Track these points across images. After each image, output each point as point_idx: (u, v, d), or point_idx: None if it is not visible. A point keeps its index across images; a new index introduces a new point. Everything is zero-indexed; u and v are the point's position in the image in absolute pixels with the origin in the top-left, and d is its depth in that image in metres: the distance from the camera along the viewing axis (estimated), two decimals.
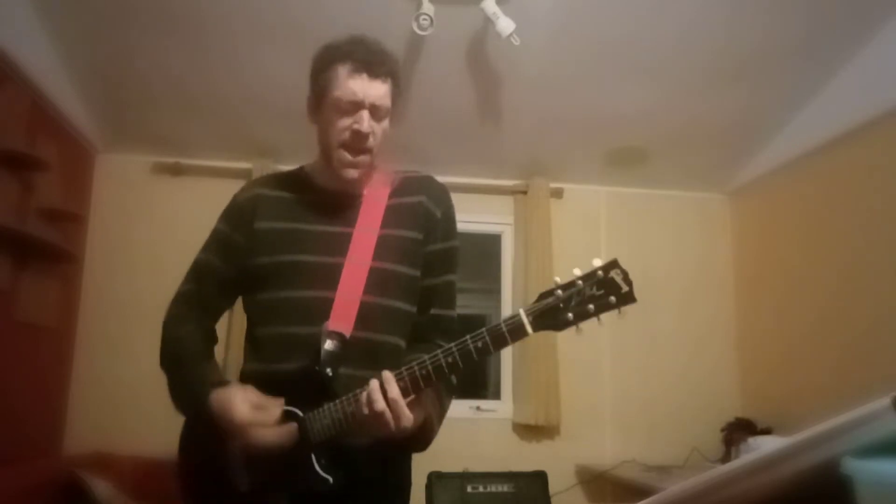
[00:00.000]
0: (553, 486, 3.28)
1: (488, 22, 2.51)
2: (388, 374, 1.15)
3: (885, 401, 0.57)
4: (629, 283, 1.08)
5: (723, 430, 3.43)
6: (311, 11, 2.58)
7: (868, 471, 0.57)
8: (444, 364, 1.14)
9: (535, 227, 3.61)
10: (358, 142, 1.31)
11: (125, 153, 3.48)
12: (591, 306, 1.09)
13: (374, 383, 1.15)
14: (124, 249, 3.38)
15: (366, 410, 1.14)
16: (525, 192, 3.71)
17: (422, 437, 1.26)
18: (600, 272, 1.09)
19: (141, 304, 3.23)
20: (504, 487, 3.19)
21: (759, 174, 3.61)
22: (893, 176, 2.73)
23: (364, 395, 1.15)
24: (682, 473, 3.03)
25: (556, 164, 3.66)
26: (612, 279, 1.08)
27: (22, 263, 2.71)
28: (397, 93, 1.37)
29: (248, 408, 1.21)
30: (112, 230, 3.40)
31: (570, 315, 1.10)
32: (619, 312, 1.09)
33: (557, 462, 3.42)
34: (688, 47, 2.83)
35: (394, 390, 1.14)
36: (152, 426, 3.10)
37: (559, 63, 2.91)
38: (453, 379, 1.20)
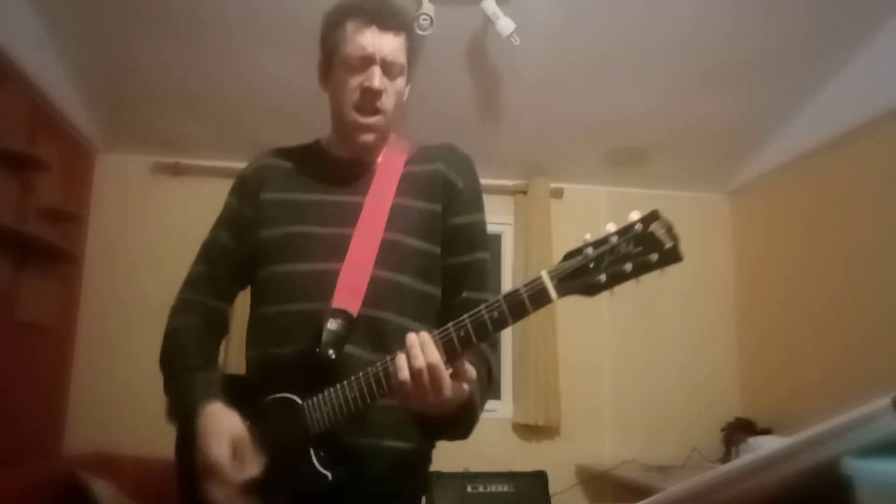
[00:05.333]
0: (553, 486, 3.27)
1: (488, 22, 2.52)
2: (426, 335, 0.98)
3: (885, 401, 0.57)
4: (675, 237, 0.90)
5: (723, 430, 3.43)
6: (311, 11, 2.56)
7: (868, 471, 0.57)
8: (455, 338, 0.97)
9: (535, 227, 3.61)
10: (370, 100, 1.19)
11: (125, 153, 3.48)
12: (628, 265, 0.91)
13: (413, 338, 0.98)
14: (124, 249, 3.38)
15: (403, 373, 0.97)
16: (525, 192, 3.71)
17: (462, 418, 1.08)
18: (639, 225, 0.92)
19: (141, 304, 3.23)
20: (504, 487, 3.19)
21: (759, 174, 3.61)
22: (893, 176, 2.73)
23: (400, 355, 0.98)
24: (682, 473, 3.03)
25: (556, 164, 3.66)
26: (653, 234, 0.91)
27: (22, 263, 2.71)
28: (412, 50, 1.25)
29: (228, 448, 1.07)
30: (112, 230, 3.40)
31: (603, 277, 0.92)
32: (662, 273, 0.90)
33: (557, 462, 3.42)
34: (688, 47, 2.83)
35: (433, 354, 0.96)
36: (152, 426, 3.09)
37: (559, 63, 2.91)
38: (470, 370, 1.03)
